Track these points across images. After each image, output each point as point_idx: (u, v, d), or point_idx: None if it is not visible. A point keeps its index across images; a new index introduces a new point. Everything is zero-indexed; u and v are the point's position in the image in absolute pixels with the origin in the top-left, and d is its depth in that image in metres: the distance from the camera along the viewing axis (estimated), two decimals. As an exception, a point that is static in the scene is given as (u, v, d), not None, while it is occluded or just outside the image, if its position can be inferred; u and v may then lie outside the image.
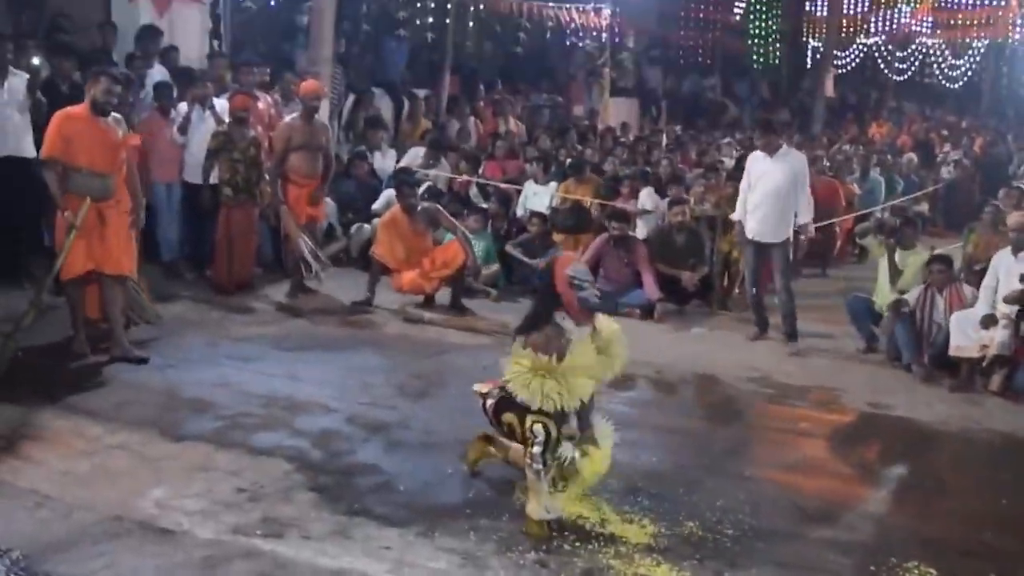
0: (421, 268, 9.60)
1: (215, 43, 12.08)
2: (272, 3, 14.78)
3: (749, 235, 9.11)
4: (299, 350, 7.93)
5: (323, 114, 11.47)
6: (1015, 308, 7.90)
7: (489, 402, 5.19)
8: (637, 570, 4.64)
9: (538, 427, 4.88)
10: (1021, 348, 7.91)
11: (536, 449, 4.86)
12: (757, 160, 9.15)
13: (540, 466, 4.87)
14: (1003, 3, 23.13)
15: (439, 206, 10.00)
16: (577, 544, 4.84)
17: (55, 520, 4.77)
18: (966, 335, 8.05)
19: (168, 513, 4.89)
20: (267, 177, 9.52)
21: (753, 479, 5.87)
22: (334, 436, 6.10)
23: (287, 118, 9.77)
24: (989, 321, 7.97)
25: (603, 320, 5.25)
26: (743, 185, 9.19)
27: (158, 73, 10.36)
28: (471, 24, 17.52)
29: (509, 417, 5.04)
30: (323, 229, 10.77)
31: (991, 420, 7.38)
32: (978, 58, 25.08)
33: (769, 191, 8.91)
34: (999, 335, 7.87)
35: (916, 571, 4.80)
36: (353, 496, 5.23)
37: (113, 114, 7.30)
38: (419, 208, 9.72)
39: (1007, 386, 7.91)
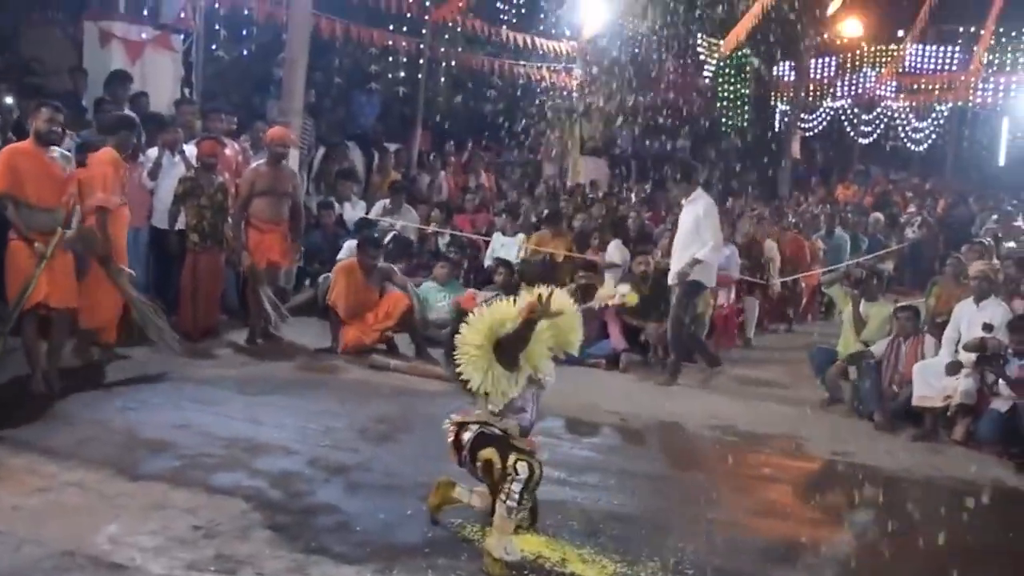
0: (364, 322, 9.64)
1: (186, 91, 12.15)
2: (245, 53, 14.89)
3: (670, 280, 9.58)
4: (262, 394, 7.89)
5: (293, 164, 11.53)
6: (977, 356, 7.98)
7: (467, 435, 5.12)
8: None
9: (522, 465, 4.84)
10: (984, 397, 7.99)
11: (516, 487, 4.81)
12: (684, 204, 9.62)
13: (515, 504, 4.83)
14: (964, 68, 23.69)
15: (393, 267, 10.12)
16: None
17: (3, 554, 4.69)
18: (929, 385, 8.13)
19: (121, 549, 4.82)
20: (230, 221, 9.51)
21: (716, 522, 5.87)
22: (294, 477, 6.05)
23: (254, 163, 9.82)
24: (954, 368, 8.05)
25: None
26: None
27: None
28: (443, 80, 17.70)
29: (488, 453, 4.96)
30: (292, 277, 10.76)
31: (954, 468, 7.43)
32: (941, 121, 25.58)
33: (679, 235, 9.42)
34: (962, 384, 7.95)
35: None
36: (311, 535, 5.17)
37: (60, 150, 7.39)
38: (377, 267, 9.83)
39: (970, 435, 7.97)
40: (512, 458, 4.86)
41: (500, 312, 4.99)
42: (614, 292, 5.60)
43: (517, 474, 4.82)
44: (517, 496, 4.82)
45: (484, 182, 15.43)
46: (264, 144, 10.12)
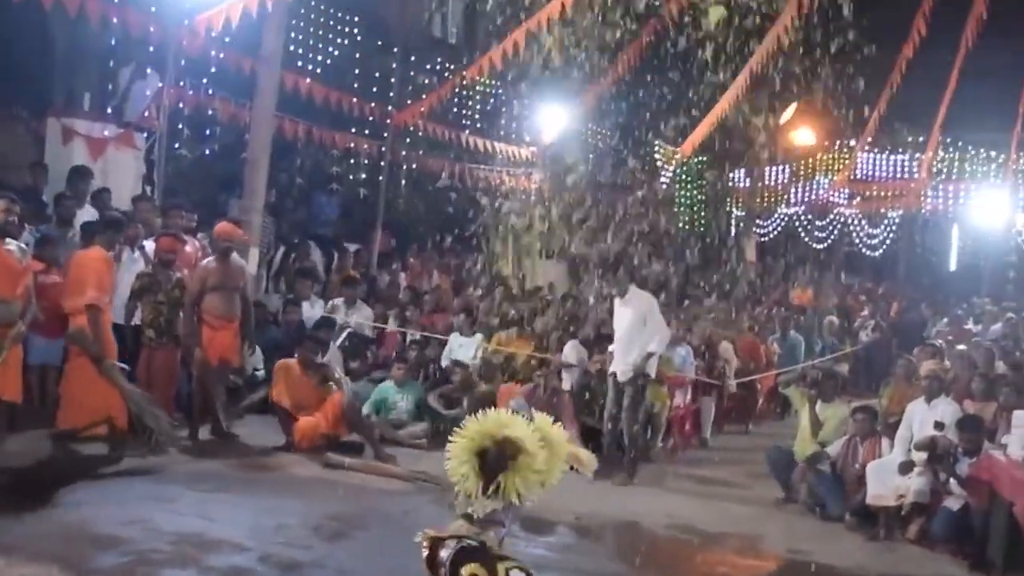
0: (315, 419, 9.57)
1: (147, 188, 12.20)
2: (207, 152, 15.01)
3: (610, 370, 9.76)
4: (213, 491, 7.79)
5: (252, 263, 11.58)
6: (928, 455, 8.06)
7: (444, 552, 4.97)
8: None
9: (516, 572, 4.71)
10: (937, 496, 8.04)
11: None
12: (616, 303, 9.91)
13: None
14: (914, 176, 24.32)
15: (329, 364, 10.15)
16: None
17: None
18: (883, 484, 8.19)
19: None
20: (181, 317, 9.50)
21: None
22: (245, 574, 5.97)
23: (204, 261, 9.83)
24: (906, 468, 8.13)
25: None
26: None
27: (87, 214, 10.39)
28: (403, 182, 17.88)
29: (472, 569, 4.81)
30: (246, 371, 10.72)
31: (908, 567, 7.49)
32: (893, 227, 26.12)
33: (623, 333, 9.61)
34: (915, 483, 8.02)
35: None
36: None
37: (17, 243, 7.42)
38: (314, 364, 9.85)
39: (924, 534, 8.01)
40: (502, 569, 4.73)
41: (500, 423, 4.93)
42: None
43: None
44: None
45: (441, 283, 15.51)
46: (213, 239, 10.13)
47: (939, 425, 8.16)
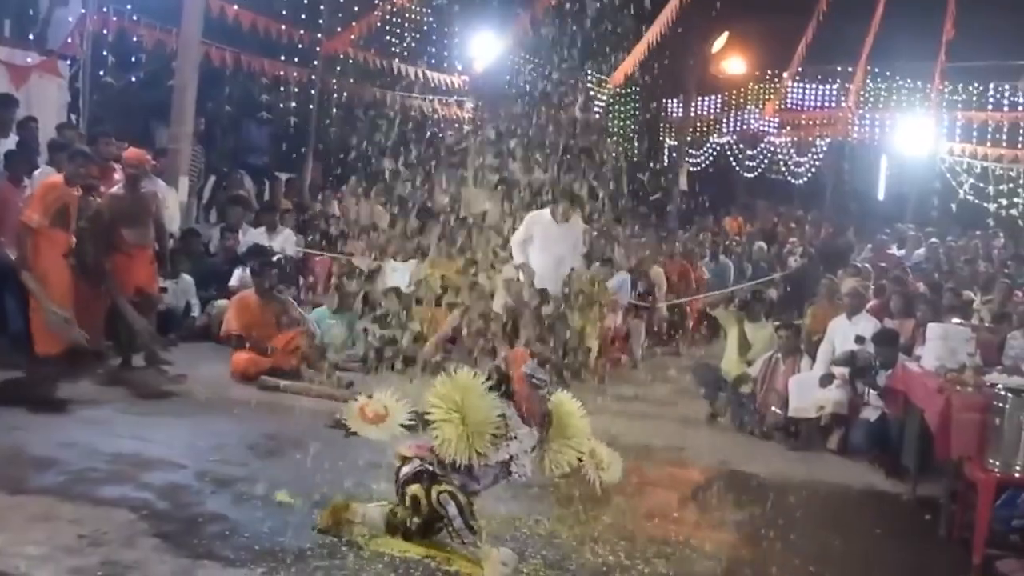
0: (262, 354, 9.61)
1: (73, 117, 12.02)
2: (133, 80, 14.78)
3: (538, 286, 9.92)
4: (149, 415, 7.85)
5: (183, 191, 11.52)
6: (848, 368, 8.38)
7: (406, 468, 5.15)
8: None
9: (444, 496, 4.92)
10: (854, 407, 8.39)
11: (457, 521, 4.88)
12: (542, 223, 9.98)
13: (468, 530, 4.90)
14: (841, 105, 24.72)
15: (291, 300, 10.23)
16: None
17: None
18: (804, 397, 8.50)
19: (6, 559, 4.78)
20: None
21: (600, 521, 6.10)
22: (181, 489, 6.06)
23: (112, 188, 9.62)
24: (827, 380, 8.45)
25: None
26: (520, 237, 10.03)
27: (11, 143, 10.25)
28: (335, 111, 17.77)
29: (415, 489, 5.01)
30: (175, 304, 10.71)
31: (826, 474, 7.82)
32: (821, 156, 26.52)
33: (560, 251, 9.95)
34: (835, 395, 8.34)
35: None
36: (198, 542, 5.19)
37: None
38: (274, 295, 9.87)
39: (844, 445, 8.35)
40: (435, 492, 4.95)
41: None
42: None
43: (445, 508, 4.91)
44: (462, 523, 4.90)
45: (374, 211, 15.53)
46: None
47: (859, 339, 8.48)
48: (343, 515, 5.40)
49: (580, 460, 5.43)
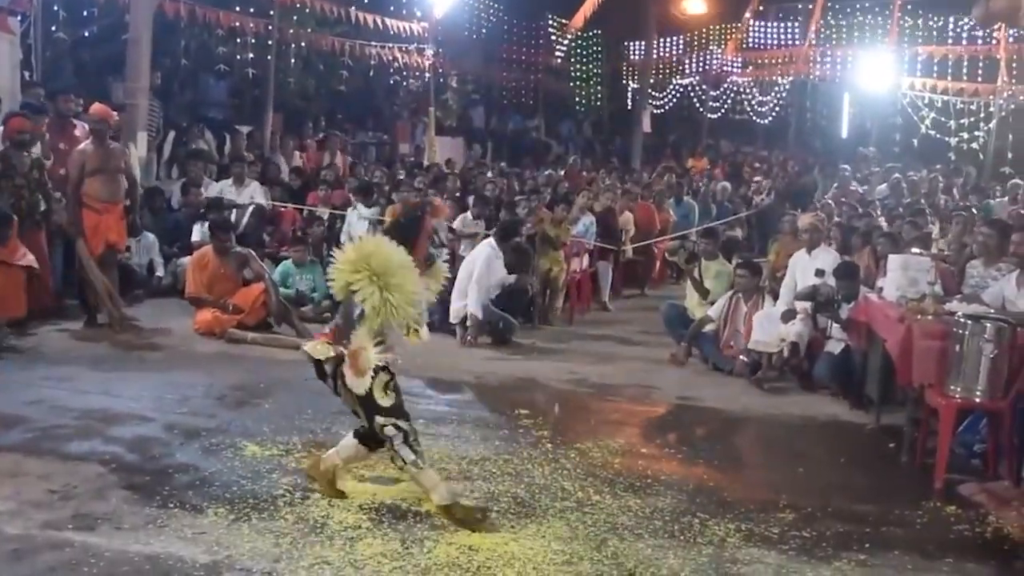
0: (213, 314, 9.52)
1: (26, 74, 11.83)
2: (87, 35, 14.55)
3: None
4: (116, 370, 7.87)
5: (141, 146, 11.40)
6: (810, 302, 8.46)
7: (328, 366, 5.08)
8: (452, 537, 4.85)
9: (389, 428, 4.94)
10: (817, 341, 8.48)
11: (405, 453, 4.90)
12: None
13: (412, 456, 4.92)
14: (802, 43, 24.75)
15: (251, 252, 10.06)
16: (394, 520, 5.02)
17: None
18: (767, 332, 8.57)
19: (-26, 515, 4.79)
20: (63, 203, 9.30)
21: (568, 459, 6.17)
22: (150, 442, 6.09)
23: (80, 145, 9.56)
24: (789, 316, 8.53)
25: None
26: None
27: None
28: (293, 62, 17.55)
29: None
30: (139, 262, 10.68)
31: (791, 407, 7.92)
32: (784, 94, 26.60)
33: None
34: (798, 328, 8.42)
35: (716, 527, 5.16)
36: (168, 492, 5.24)
37: None
38: (232, 251, 9.80)
39: (807, 378, 8.45)
40: (378, 425, 4.94)
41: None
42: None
43: (391, 439, 4.92)
44: (407, 451, 4.91)
45: (338, 161, 15.44)
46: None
47: (819, 272, 8.53)
48: (322, 468, 5.29)
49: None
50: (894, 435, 7.01)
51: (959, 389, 6.07)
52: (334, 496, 5.27)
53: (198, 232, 11.05)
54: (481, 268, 9.68)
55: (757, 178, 20.08)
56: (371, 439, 5.16)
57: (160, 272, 11.19)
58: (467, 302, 9.63)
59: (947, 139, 22.13)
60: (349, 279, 4.92)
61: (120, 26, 13.18)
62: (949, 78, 22.18)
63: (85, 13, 14.32)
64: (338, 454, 5.31)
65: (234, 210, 11.63)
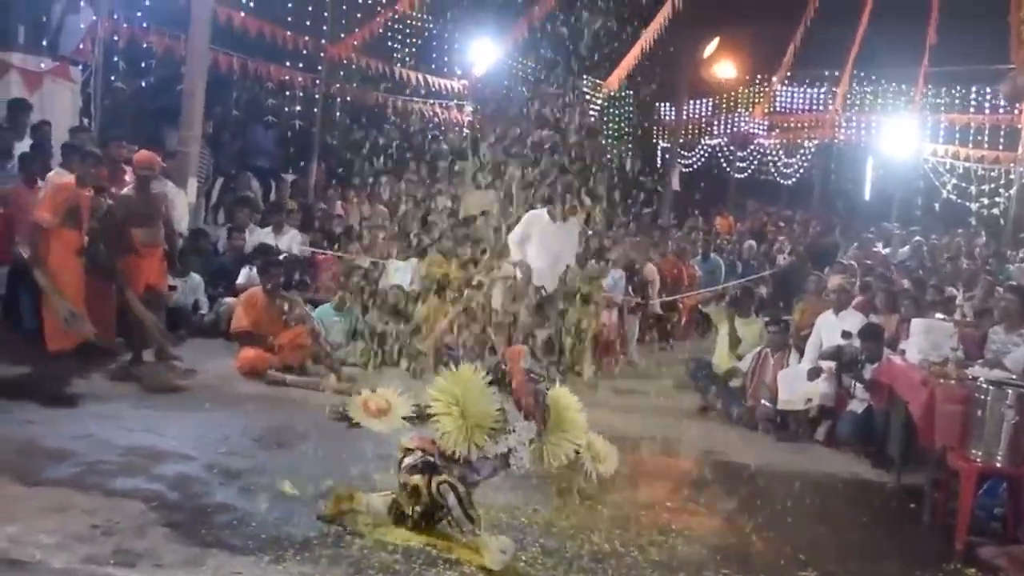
0: (267, 350, 9.80)
1: (85, 121, 12.27)
2: (144, 85, 15.04)
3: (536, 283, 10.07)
4: (159, 409, 8.04)
5: (191, 192, 11.75)
6: (835, 362, 8.60)
7: (408, 460, 5.31)
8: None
9: (444, 487, 5.08)
10: (840, 399, 8.61)
11: (456, 511, 5.05)
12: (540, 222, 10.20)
13: (467, 520, 5.07)
14: (828, 108, 25.01)
15: (296, 298, 10.41)
16: (425, 566, 5.14)
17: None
18: (792, 390, 8.72)
19: (20, 547, 4.93)
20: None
21: (595, 510, 6.34)
22: (191, 481, 6.24)
23: (124, 190, 9.87)
24: (815, 374, 8.67)
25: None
26: (518, 236, 10.19)
27: (25, 146, 10.50)
28: (338, 114, 18.00)
29: (416, 479, 5.18)
30: (184, 302, 10.94)
31: (815, 464, 8.05)
32: (809, 157, 26.83)
33: (559, 249, 10.15)
34: (822, 387, 8.56)
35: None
36: (207, 531, 5.37)
37: None
38: (279, 292, 10.10)
39: (831, 436, 8.57)
40: (434, 483, 5.13)
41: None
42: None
43: (445, 498, 5.08)
44: (461, 513, 5.07)
45: (378, 211, 15.73)
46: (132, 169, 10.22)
47: (846, 334, 8.70)
48: (347, 504, 5.55)
49: (577, 452, 5.60)
50: (915, 495, 7.11)
51: (980, 453, 6.16)
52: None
53: (244, 276, 11.35)
54: None
55: (781, 237, 20.22)
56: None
57: (204, 311, 11.46)
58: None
59: (968, 204, 22.25)
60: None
61: (176, 77, 13.63)
62: (971, 145, 22.34)
63: (143, 64, 14.85)
64: (368, 505, 5.49)
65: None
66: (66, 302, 8.47)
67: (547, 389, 5.42)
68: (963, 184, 22.62)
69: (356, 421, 5.34)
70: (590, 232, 10.06)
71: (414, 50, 19.13)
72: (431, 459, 5.25)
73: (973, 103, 22.66)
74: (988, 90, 21.70)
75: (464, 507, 5.10)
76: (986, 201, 22.19)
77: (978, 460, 6.19)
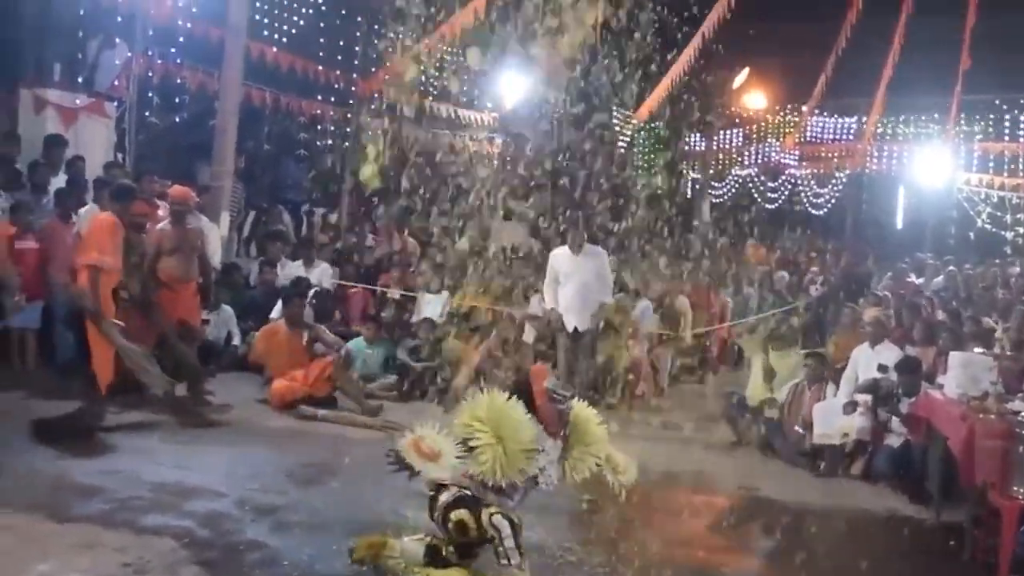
0: (294, 379, 9.77)
1: (119, 156, 12.42)
2: (177, 120, 15.21)
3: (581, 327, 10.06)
4: (190, 443, 8.07)
5: (223, 226, 11.83)
6: (871, 396, 8.50)
7: (444, 496, 5.11)
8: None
9: (498, 518, 4.94)
10: (878, 435, 8.50)
11: (508, 542, 4.87)
12: (562, 257, 10.17)
13: (517, 555, 4.89)
14: (859, 137, 24.93)
15: (322, 327, 10.36)
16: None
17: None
18: (828, 424, 8.62)
19: (53, 585, 4.93)
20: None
21: (627, 547, 6.26)
22: (222, 518, 6.23)
23: (159, 225, 9.90)
24: (851, 408, 8.58)
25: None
26: (549, 279, 10.25)
27: (61, 181, 10.61)
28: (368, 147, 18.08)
29: (460, 514, 4.98)
30: (216, 335, 10.97)
31: (852, 500, 7.92)
32: (840, 187, 26.76)
33: (585, 283, 10.10)
34: (858, 422, 8.46)
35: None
36: (238, 569, 5.37)
37: None
38: (303, 323, 10.11)
39: (867, 471, 8.45)
40: (486, 515, 5.03)
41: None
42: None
43: (499, 529, 4.89)
44: (514, 547, 4.89)
45: (407, 245, 15.78)
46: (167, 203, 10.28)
47: (882, 367, 8.60)
48: (380, 551, 5.39)
49: (598, 465, 5.52)
50: (955, 531, 6.97)
51: (1022, 490, 6.05)
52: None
53: (278, 311, 11.36)
54: None
55: (813, 268, 20.10)
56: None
57: (237, 343, 11.48)
58: None
59: (1003, 233, 22.06)
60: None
61: (209, 113, 13.77)
62: (1006, 174, 22.18)
63: (177, 100, 15.01)
64: (403, 551, 5.36)
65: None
66: (138, 348, 8.45)
67: (569, 409, 5.33)
68: (998, 213, 22.47)
69: (418, 470, 5.15)
70: (618, 263, 10.01)
71: (444, 83, 19.18)
72: (468, 492, 5.14)
73: (1007, 131, 22.52)
74: (1023, 118, 21.56)
75: (518, 538, 4.99)
76: (1022, 230, 22.00)
77: (1020, 497, 6.06)
